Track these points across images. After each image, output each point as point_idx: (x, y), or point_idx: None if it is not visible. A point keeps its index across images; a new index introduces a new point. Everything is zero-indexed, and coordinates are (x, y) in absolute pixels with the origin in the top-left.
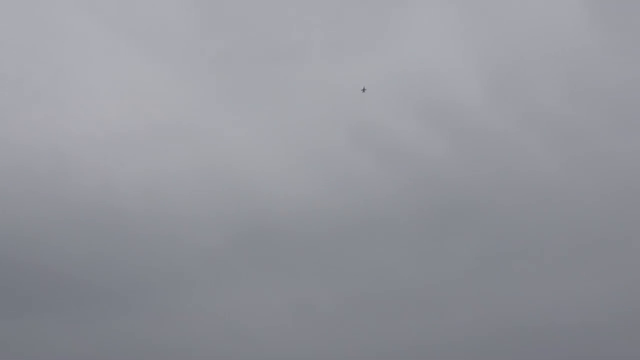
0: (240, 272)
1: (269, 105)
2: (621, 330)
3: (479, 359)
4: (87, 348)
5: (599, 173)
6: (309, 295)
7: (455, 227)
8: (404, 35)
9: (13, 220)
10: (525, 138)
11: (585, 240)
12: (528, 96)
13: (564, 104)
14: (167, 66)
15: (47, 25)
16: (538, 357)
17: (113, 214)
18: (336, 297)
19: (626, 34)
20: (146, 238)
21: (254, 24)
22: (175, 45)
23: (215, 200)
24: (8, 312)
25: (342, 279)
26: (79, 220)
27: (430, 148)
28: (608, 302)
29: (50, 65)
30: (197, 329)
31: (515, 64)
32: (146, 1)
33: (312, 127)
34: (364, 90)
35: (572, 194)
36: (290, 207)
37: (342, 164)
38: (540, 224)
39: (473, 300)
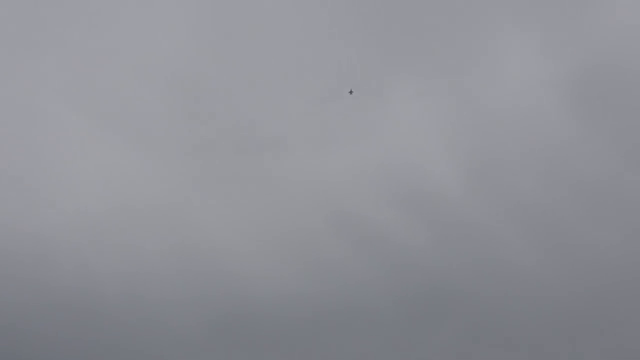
0: (218, 355)
1: (249, 194)
2: None
3: None
4: None
5: (578, 264)
6: None
7: (434, 316)
8: (385, 126)
9: None
10: (504, 228)
11: (566, 329)
12: (507, 187)
13: (543, 195)
14: (146, 153)
15: (25, 112)
16: None
17: (92, 300)
18: None
19: (604, 127)
20: (125, 322)
21: (235, 114)
22: (156, 133)
23: (194, 287)
24: None
25: None
26: (57, 305)
27: (410, 238)
28: None
29: (28, 151)
30: None
31: (494, 155)
32: (126, 88)
33: (293, 215)
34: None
35: (551, 285)
36: (268, 294)
37: (322, 252)
38: (519, 314)
39: None
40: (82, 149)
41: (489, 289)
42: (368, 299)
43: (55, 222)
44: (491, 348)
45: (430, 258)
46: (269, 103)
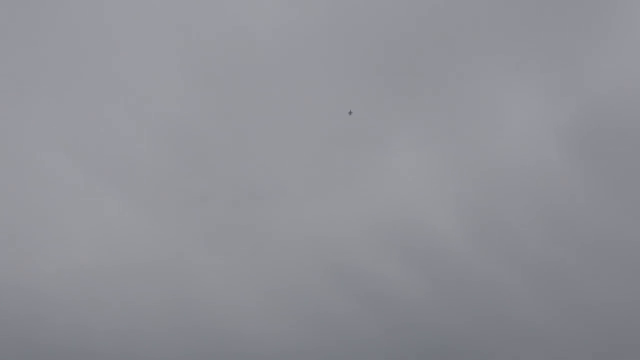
0: None
1: (247, 247)
2: None
3: None
4: None
5: (582, 316)
6: None
7: None
8: (386, 177)
9: None
10: (507, 281)
11: None
12: (510, 239)
13: (547, 248)
14: (143, 206)
15: (20, 165)
16: None
17: (87, 356)
18: None
19: (607, 175)
20: None
21: (232, 166)
22: (152, 186)
23: (192, 341)
24: None
25: None
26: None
27: (411, 291)
28: None
29: (22, 205)
30: None
31: (497, 207)
32: (123, 140)
33: (291, 269)
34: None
35: (556, 338)
36: (268, 349)
37: (321, 306)
38: None
39: None
40: (77, 203)
41: (491, 343)
42: (369, 353)
43: (49, 277)
44: None
45: (431, 311)
46: (267, 155)
